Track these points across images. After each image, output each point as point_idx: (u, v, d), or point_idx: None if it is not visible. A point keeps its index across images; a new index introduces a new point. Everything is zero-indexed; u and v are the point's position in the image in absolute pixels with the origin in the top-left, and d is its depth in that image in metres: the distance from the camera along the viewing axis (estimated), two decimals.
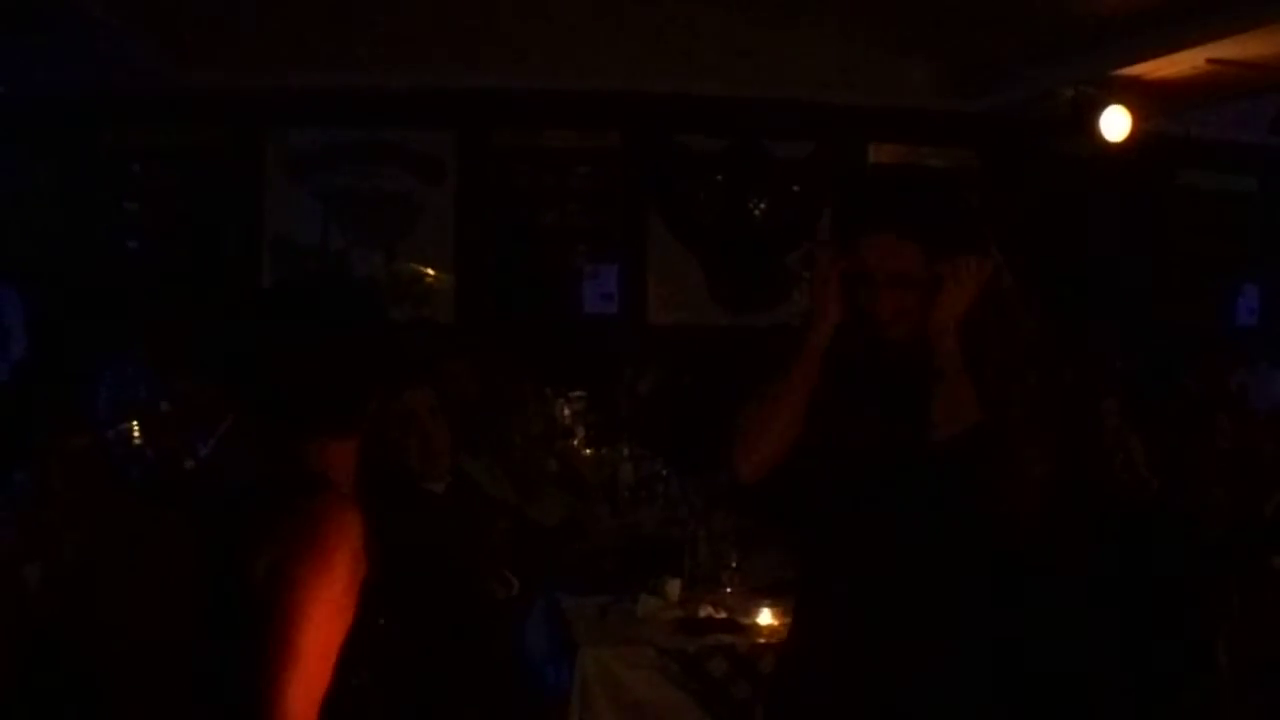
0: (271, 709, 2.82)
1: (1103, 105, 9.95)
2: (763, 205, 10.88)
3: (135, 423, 7.63)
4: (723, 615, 5.56)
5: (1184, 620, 5.84)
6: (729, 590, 5.68)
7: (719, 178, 10.88)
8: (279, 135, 10.55)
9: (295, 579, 2.86)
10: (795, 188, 10.96)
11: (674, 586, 5.56)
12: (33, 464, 6.26)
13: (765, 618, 5.52)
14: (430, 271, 10.65)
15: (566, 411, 8.68)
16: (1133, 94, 9.85)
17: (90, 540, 5.97)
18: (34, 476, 6.21)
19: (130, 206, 10.55)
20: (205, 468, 7.13)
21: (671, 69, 10.01)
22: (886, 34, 10.00)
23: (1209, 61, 9.01)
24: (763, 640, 5.42)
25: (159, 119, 10.46)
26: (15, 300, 9.61)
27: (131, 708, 5.66)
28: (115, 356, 8.41)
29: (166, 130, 10.52)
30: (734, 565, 5.74)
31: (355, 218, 10.49)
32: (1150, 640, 5.69)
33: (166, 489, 6.90)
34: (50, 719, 5.58)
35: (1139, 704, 5.60)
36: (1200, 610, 5.92)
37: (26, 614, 5.73)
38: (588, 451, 8.20)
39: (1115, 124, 9.98)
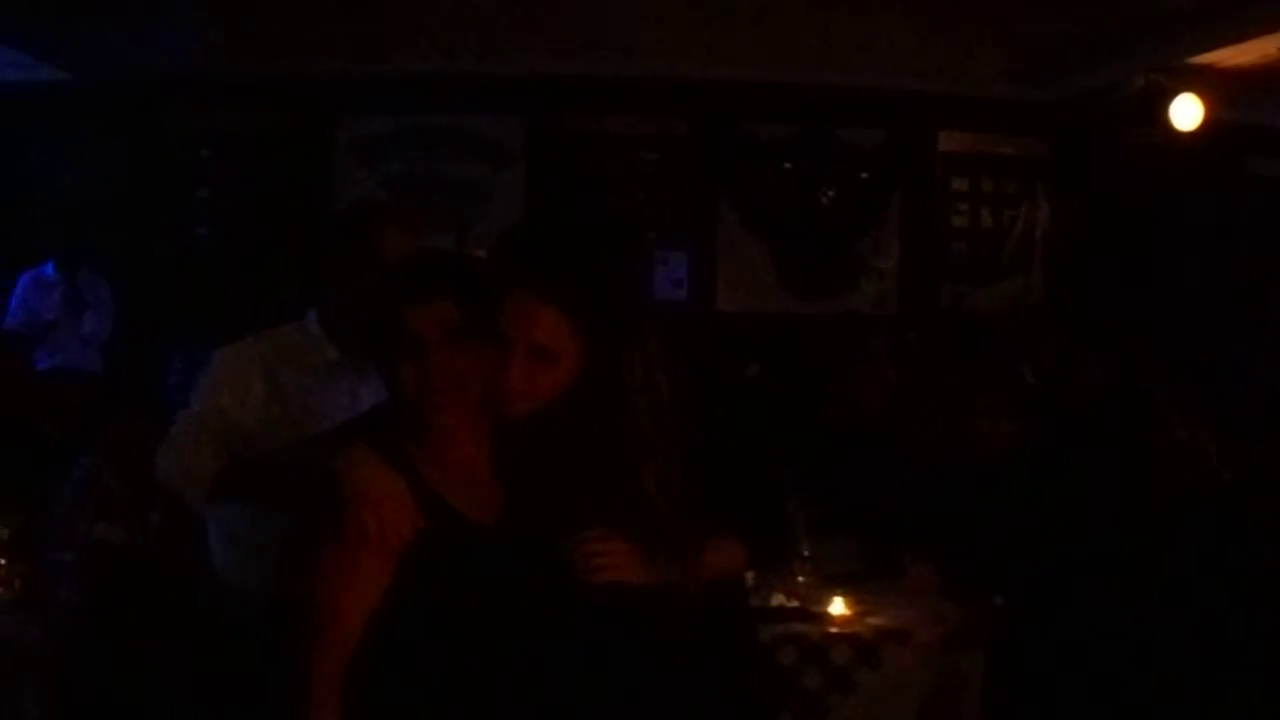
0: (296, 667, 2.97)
1: (1174, 94, 9.90)
2: (831, 193, 10.84)
3: None
4: (794, 604, 5.53)
5: (1252, 615, 5.79)
6: (800, 579, 5.65)
7: (787, 165, 10.83)
8: (348, 120, 10.60)
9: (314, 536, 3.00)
10: (864, 175, 10.92)
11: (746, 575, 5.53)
12: (102, 449, 6.32)
13: (837, 607, 5.50)
14: None
15: None
16: (1204, 82, 9.79)
17: (164, 523, 6.05)
18: (105, 462, 6.27)
19: (200, 192, 10.60)
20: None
21: (740, 55, 9.98)
22: (958, 21, 9.95)
23: None
24: (834, 629, 5.41)
25: (228, 105, 10.52)
26: (105, 287, 9.62)
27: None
28: (187, 341, 8.46)
29: (236, 116, 10.59)
30: (806, 554, 5.71)
31: (424, 203, 10.50)
32: (1218, 636, 5.64)
33: None
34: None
35: (1204, 700, 5.56)
36: (1269, 605, 5.87)
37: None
38: None
39: (1186, 113, 9.93)
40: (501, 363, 3.06)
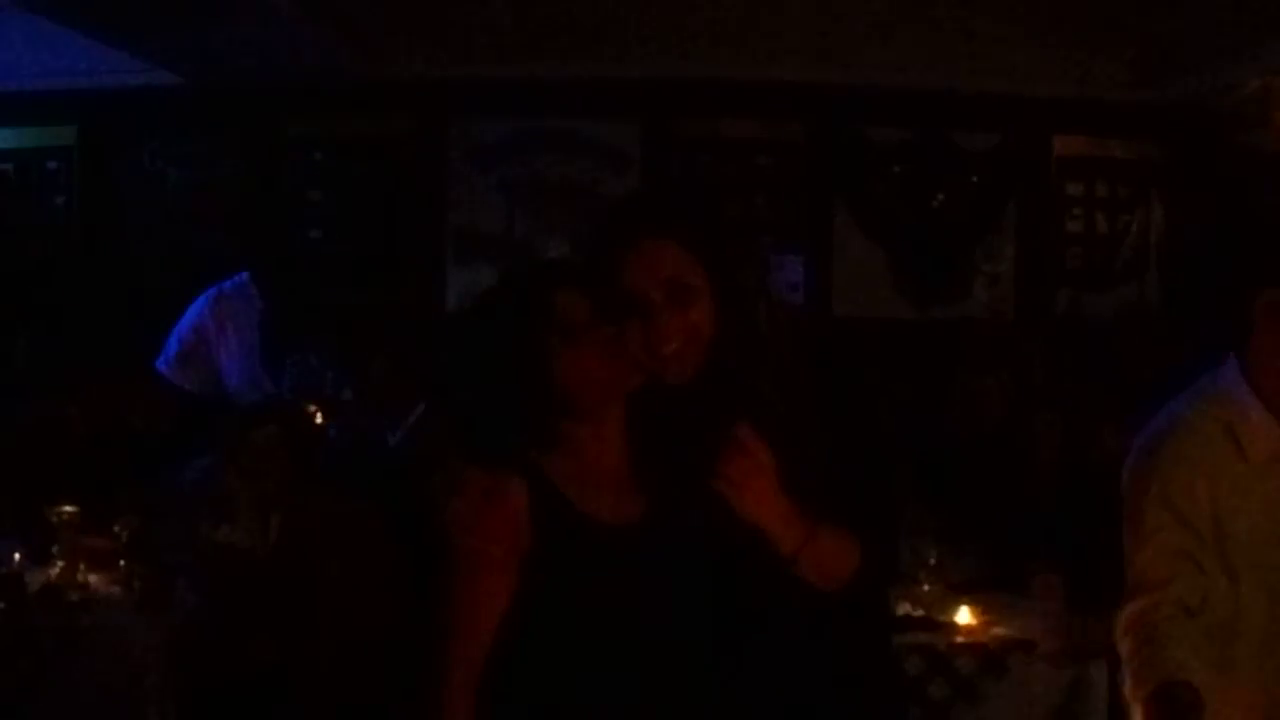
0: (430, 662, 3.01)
1: None
2: (941, 197, 10.74)
3: (315, 408, 7.72)
4: (920, 613, 5.52)
5: None
6: (926, 588, 5.64)
7: (896, 169, 10.75)
8: (463, 125, 10.62)
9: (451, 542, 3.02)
10: (975, 179, 10.81)
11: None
12: (223, 452, 6.36)
13: (963, 616, 5.48)
14: None
15: None
16: None
17: (285, 526, 6.08)
18: (226, 464, 6.31)
19: (314, 196, 10.66)
20: (398, 453, 7.20)
21: (854, 59, 9.94)
22: (1072, 23, 9.84)
23: None
24: (960, 639, 5.38)
25: (342, 109, 10.59)
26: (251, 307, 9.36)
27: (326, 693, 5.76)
28: (299, 346, 8.48)
29: (350, 120, 10.64)
30: (932, 562, 5.70)
31: (539, 207, 10.50)
32: None
33: (354, 473, 6.98)
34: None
35: None
36: None
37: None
38: None
39: None
40: (646, 319, 3.14)
